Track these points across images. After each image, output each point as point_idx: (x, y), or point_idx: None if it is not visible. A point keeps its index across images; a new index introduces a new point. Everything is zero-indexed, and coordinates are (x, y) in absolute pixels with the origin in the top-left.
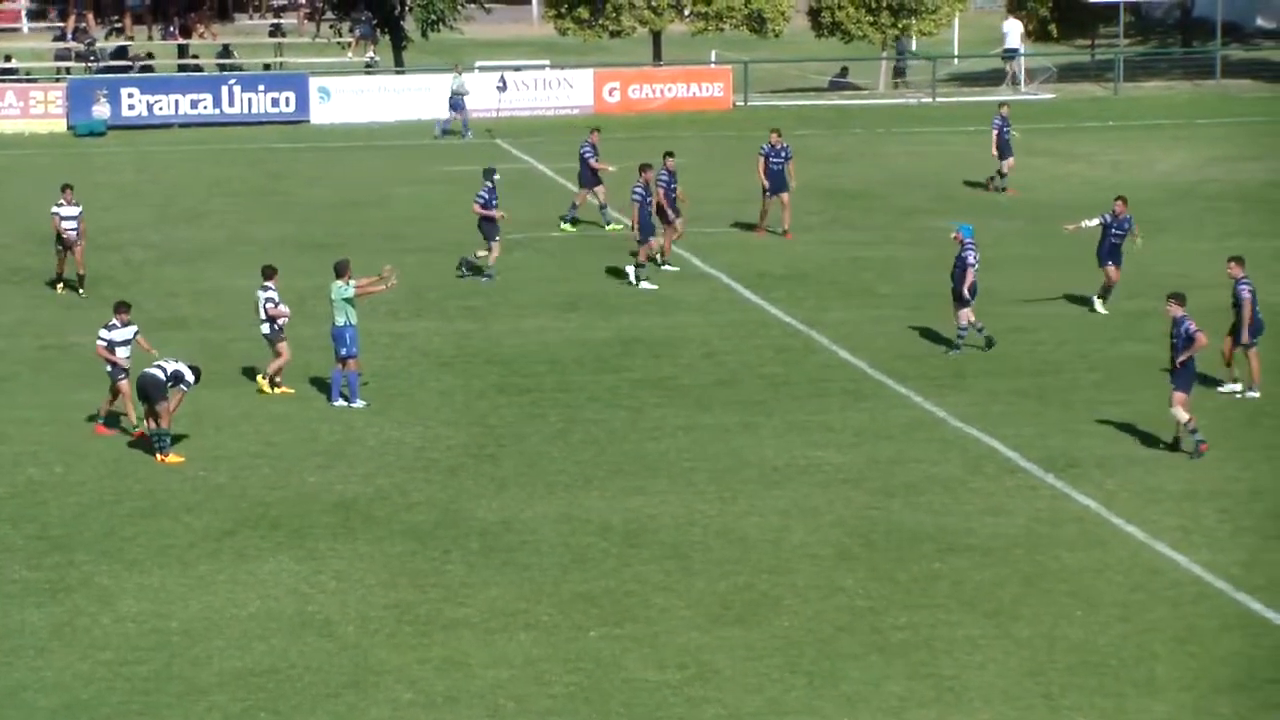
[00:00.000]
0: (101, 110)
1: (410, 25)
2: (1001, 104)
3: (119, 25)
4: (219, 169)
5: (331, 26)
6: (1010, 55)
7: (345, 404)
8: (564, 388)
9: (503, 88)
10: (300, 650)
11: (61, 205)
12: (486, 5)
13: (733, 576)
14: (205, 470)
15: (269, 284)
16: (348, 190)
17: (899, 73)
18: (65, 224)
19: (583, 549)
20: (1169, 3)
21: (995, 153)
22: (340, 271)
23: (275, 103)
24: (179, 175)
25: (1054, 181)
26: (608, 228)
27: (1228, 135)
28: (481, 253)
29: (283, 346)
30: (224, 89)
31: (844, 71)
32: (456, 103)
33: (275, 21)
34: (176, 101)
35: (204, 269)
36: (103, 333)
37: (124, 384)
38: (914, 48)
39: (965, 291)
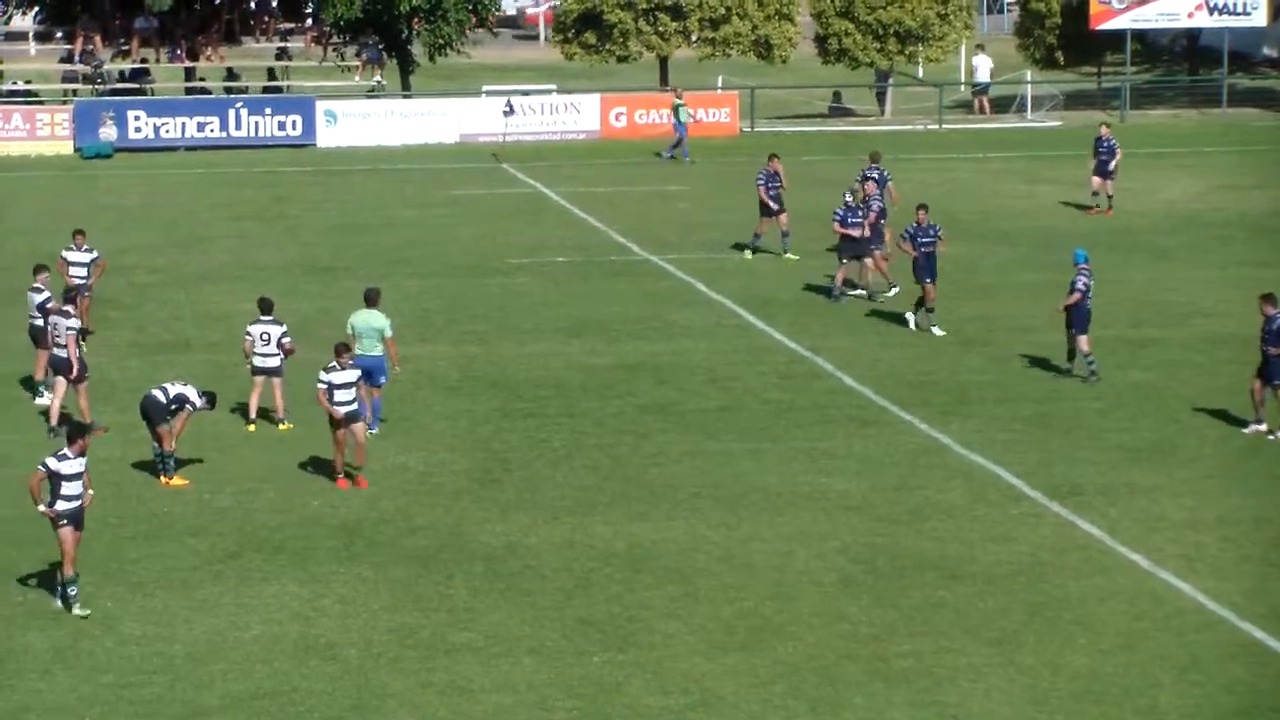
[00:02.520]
0: (108, 132)
1: (417, 49)
2: (1103, 124)
3: (126, 48)
4: (225, 192)
5: (338, 50)
6: (981, 89)
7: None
8: (569, 413)
9: (509, 112)
10: (303, 674)
11: (70, 250)
12: (494, 29)
13: (736, 603)
14: (209, 493)
15: (270, 317)
16: (353, 213)
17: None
18: (73, 270)
19: (586, 574)
20: (1175, 31)
21: (1092, 173)
22: (372, 300)
23: (282, 126)
24: (185, 198)
25: (1059, 210)
26: (785, 255)
27: (1234, 163)
28: (876, 276)
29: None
30: (231, 112)
31: (837, 96)
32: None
33: (282, 45)
34: (183, 124)
35: (209, 292)
36: (323, 375)
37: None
38: (920, 74)
39: (1074, 314)
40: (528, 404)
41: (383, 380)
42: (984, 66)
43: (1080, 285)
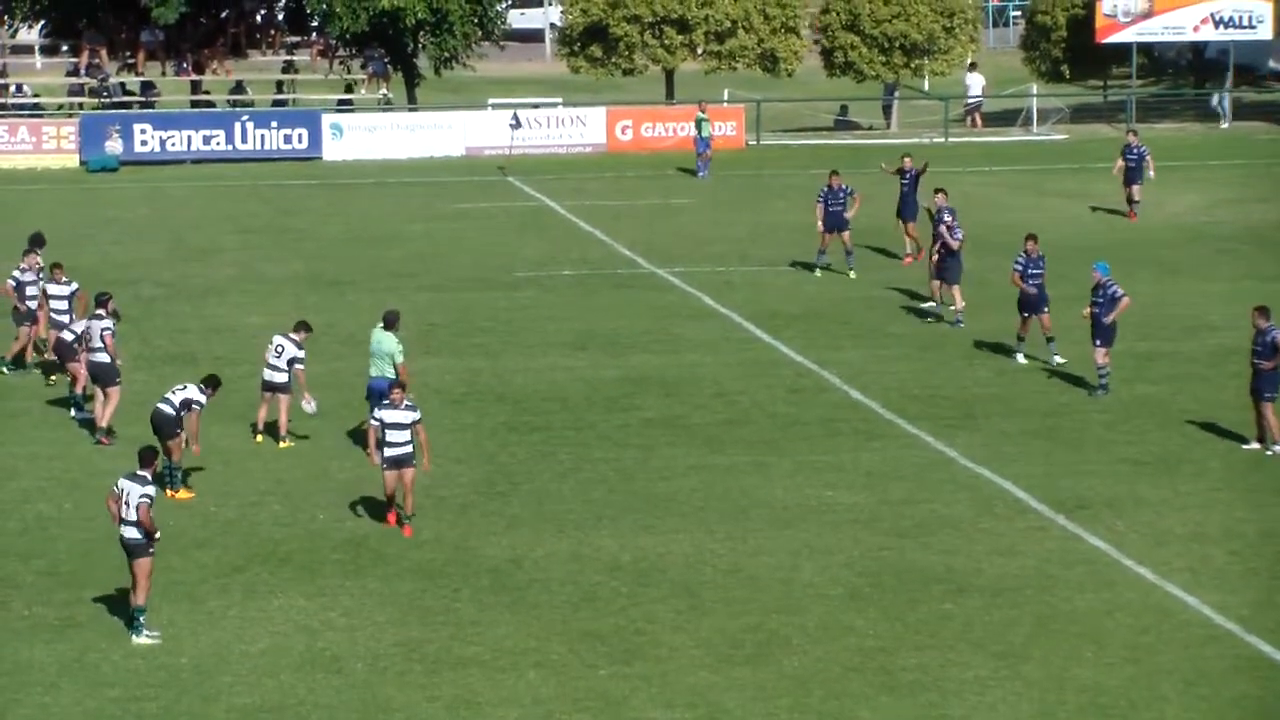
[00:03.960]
0: (114, 146)
1: (423, 62)
2: (1129, 130)
3: (132, 61)
4: (231, 205)
5: (344, 64)
6: (974, 106)
7: None
8: (574, 426)
9: (515, 125)
10: (309, 687)
11: (51, 283)
12: (500, 43)
13: (743, 616)
14: (215, 506)
15: (295, 334)
16: (359, 227)
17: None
18: (54, 304)
19: (592, 587)
20: (1181, 44)
21: (1123, 181)
22: (390, 323)
23: (288, 139)
24: (191, 211)
25: (1065, 223)
26: (850, 273)
27: (1239, 177)
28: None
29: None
30: (237, 125)
31: (844, 110)
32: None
33: (288, 58)
34: (189, 137)
35: (215, 305)
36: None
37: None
38: (926, 87)
39: (1109, 328)
40: (534, 417)
41: None
42: (976, 84)
43: (1119, 293)
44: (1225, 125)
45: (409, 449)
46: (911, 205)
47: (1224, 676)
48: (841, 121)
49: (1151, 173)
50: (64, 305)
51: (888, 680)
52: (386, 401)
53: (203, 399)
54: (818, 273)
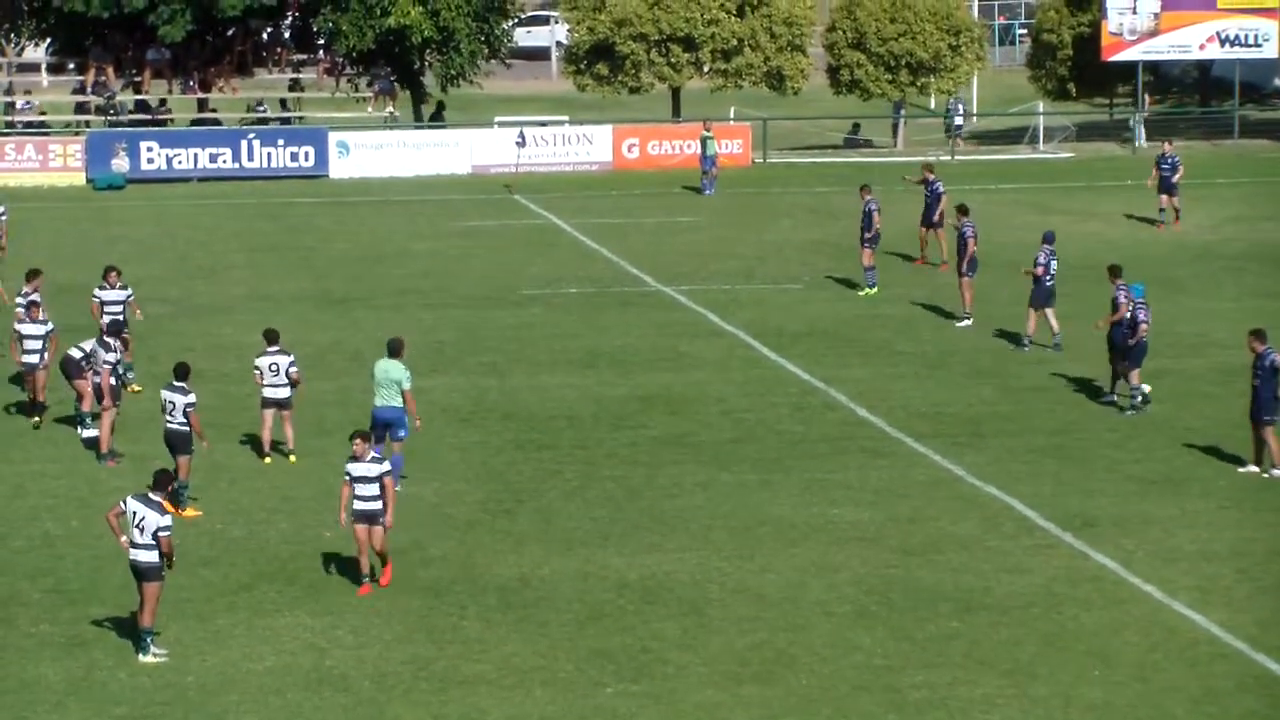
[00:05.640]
0: (120, 164)
1: (430, 80)
2: (1165, 141)
3: (138, 79)
4: (237, 223)
5: (350, 82)
6: (956, 131)
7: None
8: (582, 444)
9: (522, 143)
10: (316, 705)
11: (104, 288)
12: (506, 61)
13: (750, 634)
14: (222, 524)
15: (277, 347)
16: (366, 245)
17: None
18: (109, 309)
19: (600, 605)
20: (1187, 62)
21: (1158, 190)
22: (395, 350)
23: (294, 157)
24: (197, 229)
25: (1071, 241)
26: (872, 290)
27: (1246, 195)
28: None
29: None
30: (243, 143)
31: (856, 128)
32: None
33: (295, 76)
34: (195, 155)
35: (221, 323)
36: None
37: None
38: (932, 105)
39: (1134, 350)
40: (541, 435)
41: (402, 434)
42: (957, 107)
43: (1143, 318)
44: (1142, 144)
45: (378, 504)
46: (934, 213)
47: (1231, 695)
48: (851, 140)
49: (1178, 177)
50: (118, 309)
51: (895, 699)
52: (352, 455)
53: (192, 395)
54: (872, 290)
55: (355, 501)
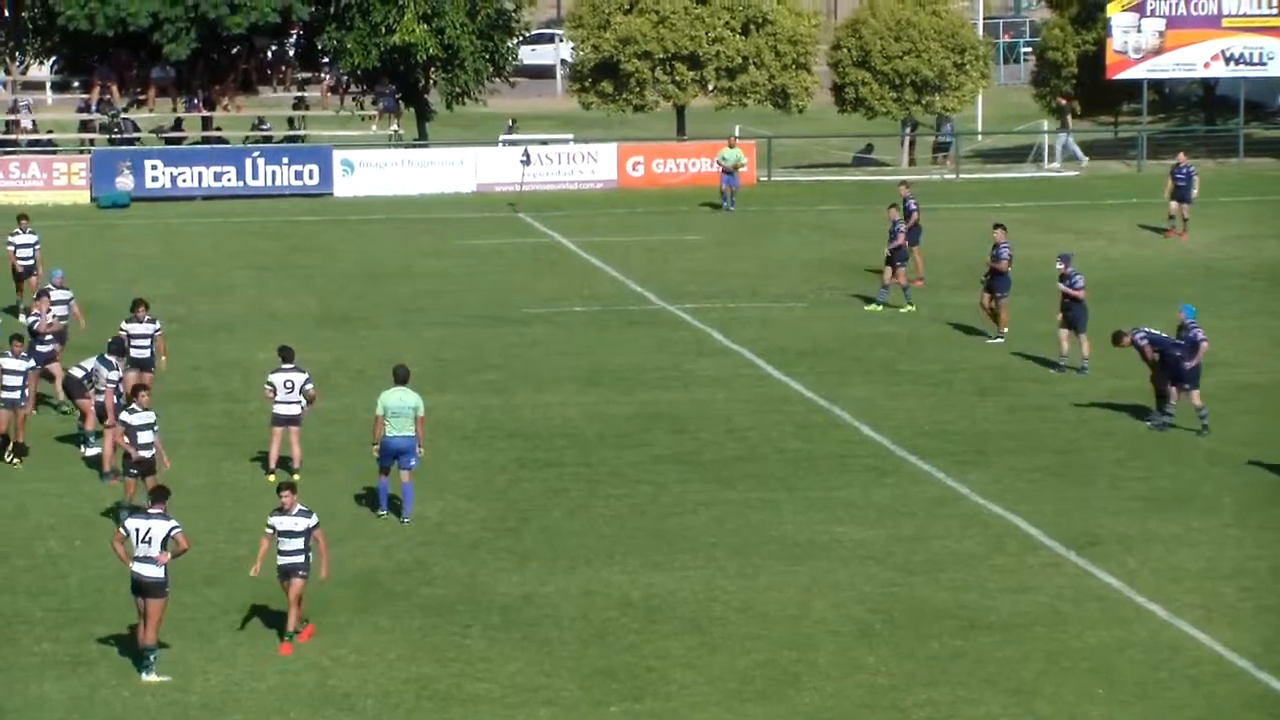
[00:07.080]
0: (125, 182)
1: (434, 98)
2: (1180, 151)
3: (142, 98)
4: (242, 241)
5: (355, 100)
6: (945, 150)
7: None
8: (585, 462)
9: (526, 161)
10: None
11: (132, 321)
12: (511, 79)
13: (753, 653)
14: (225, 543)
15: (292, 365)
16: (370, 263)
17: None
18: (135, 343)
19: (603, 624)
20: (1192, 80)
21: (1169, 198)
22: (403, 379)
23: (299, 175)
24: (202, 247)
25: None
26: (870, 306)
27: (1250, 213)
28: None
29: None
30: (247, 161)
31: (868, 148)
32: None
33: (299, 94)
34: (200, 173)
35: (225, 341)
36: None
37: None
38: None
39: (1193, 371)
40: (545, 453)
41: (413, 463)
42: (945, 126)
43: (1202, 336)
44: (1084, 162)
45: (300, 558)
46: (915, 231)
47: (1236, 714)
48: (861, 158)
49: (1195, 190)
50: (145, 343)
51: (899, 717)
52: (279, 507)
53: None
54: (910, 308)
55: (279, 556)
